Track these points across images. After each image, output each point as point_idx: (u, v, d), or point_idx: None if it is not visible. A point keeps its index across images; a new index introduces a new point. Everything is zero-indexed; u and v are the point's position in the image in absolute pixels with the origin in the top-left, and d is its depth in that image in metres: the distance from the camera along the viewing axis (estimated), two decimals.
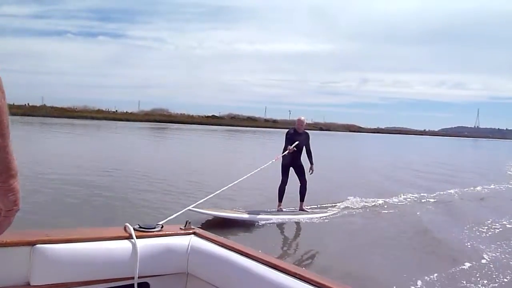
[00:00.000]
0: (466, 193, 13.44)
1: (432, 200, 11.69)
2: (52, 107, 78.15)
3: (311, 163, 8.73)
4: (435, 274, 5.56)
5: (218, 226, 7.44)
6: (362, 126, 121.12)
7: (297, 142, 8.48)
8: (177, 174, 14.03)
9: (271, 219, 8.02)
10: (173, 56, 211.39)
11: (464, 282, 5.47)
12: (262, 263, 1.82)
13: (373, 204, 10.33)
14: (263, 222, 7.86)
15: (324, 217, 8.71)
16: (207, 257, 1.99)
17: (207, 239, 2.08)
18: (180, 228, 2.16)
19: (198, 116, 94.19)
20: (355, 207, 9.86)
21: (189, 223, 2.19)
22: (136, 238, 1.93)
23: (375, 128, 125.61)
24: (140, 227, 2.04)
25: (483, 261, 6.38)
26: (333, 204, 9.78)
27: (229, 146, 32.76)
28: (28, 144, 19.45)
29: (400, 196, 11.65)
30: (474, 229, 8.40)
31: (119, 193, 9.90)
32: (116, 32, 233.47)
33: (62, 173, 12.28)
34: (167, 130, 49.82)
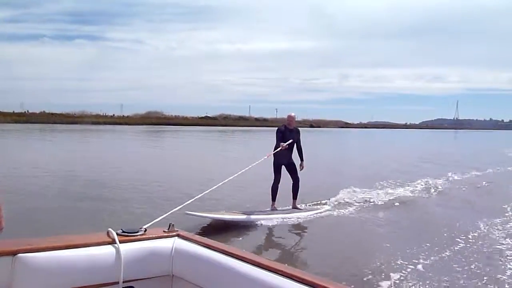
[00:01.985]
0: None
1: None
2: (51, 114, 76.77)
3: (302, 159, 8.28)
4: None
5: (211, 228, 7.08)
6: (349, 122, 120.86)
7: (291, 141, 8.01)
8: (173, 174, 13.57)
9: (265, 219, 7.55)
10: (153, 58, 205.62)
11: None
12: (247, 262, 1.76)
13: (368, 197, 9.92)
14: (258, 223, 7.41)
15: (318, 214, 8.26)
16: (191, 259, 1.93)
17: (191, 241, 2.01)
18: (164, 231, 2.08)
19: (192, 117, 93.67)
20: (348, 201, 9.43)
21: (173, 225, 2.11)
22: (120, 242, 1.87)
23: (361, 123, 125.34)
24: (123, 232, 1.97)
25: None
26: (326, 200, 9.31)
27: (224, 146, 32.27)
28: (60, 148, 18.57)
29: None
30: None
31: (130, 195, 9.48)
32: (94, 35, 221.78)
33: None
34: (166, 133, 48.85)
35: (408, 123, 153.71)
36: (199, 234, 6.80)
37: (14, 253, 1.66)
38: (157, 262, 1.96)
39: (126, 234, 1.97)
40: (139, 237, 1.98)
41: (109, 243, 1.87)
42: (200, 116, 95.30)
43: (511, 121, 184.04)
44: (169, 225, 2.11)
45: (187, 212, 6.54)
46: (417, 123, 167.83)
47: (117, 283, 1.83)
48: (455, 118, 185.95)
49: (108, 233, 1.93)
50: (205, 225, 7.19)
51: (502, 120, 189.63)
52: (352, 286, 4.44)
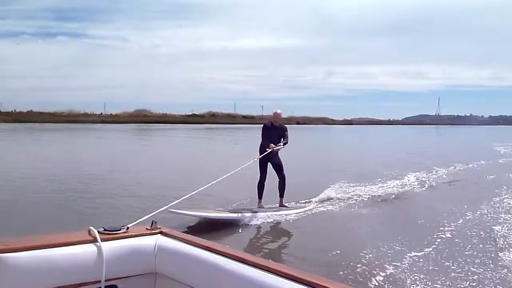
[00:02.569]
0: None
1: None
2: (40, 113, 75.23)
3: (282, 143, 7.91)
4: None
5: (198, 227, 6.92)
6: (334, 119, 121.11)
7: (281, 146, 7.87)
8: (161, 174, 13.24)
9: (251, 217, 7.34)
10: (137, 55, 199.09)
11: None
12: (230, 258, 1.74)
13: (356, 193, 9.84)
14: (244, 221, 7.20)
15: (305, 212, 8.09)
16: (174, 256, 1.90)
17: (174, 238, 1.97)
18: (146, 229, 2.03)
19: (180, 115, 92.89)
20: (336, 198, 9.30)
21: (155, 223, 2.06)
22: (101, 241, 1.82)
23: (346, 120, 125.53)
24: (105, 230, 1.91)
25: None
26: (312, 198, 9.12)
27: (213, 144, 31.95)
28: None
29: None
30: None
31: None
32: (76, 32, 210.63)
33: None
34: (155, 131, 48.17)
35: (391, 119, 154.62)
36: (186, 232, 6.65)
37: None
38: (140, 260, 1.92)
39: (108, 232, 1.91)
40: (121, 235, 1.93)
41: (90, 242, 1.81)
42: (187, 114, 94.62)
43: (491, 117, 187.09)
44: (152, 223, 2.06)
45: (171, 210, 6.33)
46: (400, 119, 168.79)
47: (99, 281, 1.78)
48: (437, 114, 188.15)
49: (89, 232, 1.86)
50: (192, 223, 7.00)
51: (482, 116, 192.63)
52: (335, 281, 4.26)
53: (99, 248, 1.80)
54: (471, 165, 16.52)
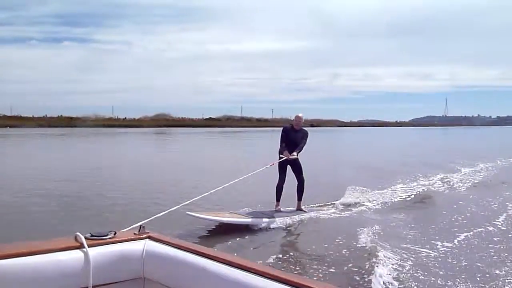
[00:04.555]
0: None
1: None
2: (69, 118, 75.94)
3: (296, 150, 7.38)
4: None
5: (213, 230, 6.53)
6: (345, 121, 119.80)
7: (295, 156, 7.36)
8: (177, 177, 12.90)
9: (269, 221, 6.86)
10: (143, 59, 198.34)
11: None
12: (218, 261, 1.67)
13: (375, 197, 9.24)
14: (261, 225, 6.74)
15: (323, 216, 7.57)
16: (162, 260, 1.81)
17: (162, 242, 1.88)
18: (134, 233, 1.94)
19: (198, 119, 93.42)
20: (355, 202, 8.69)
21: (143, 227, 1.96)
22: (88, 246, 1.73)
23: (352, 122, 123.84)
24: (92, 236, 1.82)
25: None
26: (332, 202, 8.58)
27: (231, 148, 31.69)
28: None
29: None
30: None
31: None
32: (83, 37, 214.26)
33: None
34: (179, 135, 47.93)
35: (399, 120, 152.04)
36: (204, 236, 6.30)
37: None
38: (128, 265, 1.82)
39: (95, 237, 1.81)
40: (108, 240, 1.82)
41: (77, 248, 1.71)
42: (205, 118, 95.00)
43: (499, 117, 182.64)
44: (140, 227, 1.96)
45: (189, 213, 6.09)
46: (407, 120, 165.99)
47: None
48: (444, 115, 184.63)
49: (76, 237, 1.76)
50: (208, 226, 6.61)
51: (490, 117, 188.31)
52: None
53: (86, 254, 1.70)
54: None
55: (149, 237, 1.93)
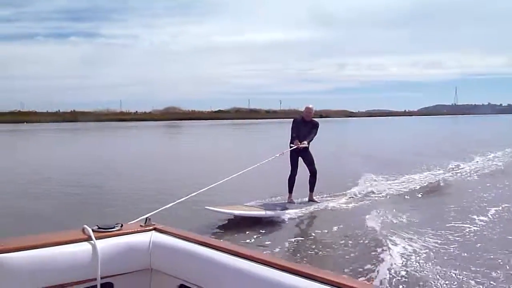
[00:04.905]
0: None
1: None
2: (81, 112, 76.39)
3: (307, 139, 7.32)
4: None
5: (227, 224, 6.49)
6: (352, 111, 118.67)
7: (306, 145, 7.27)
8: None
9: (282, 213, 6.83)
10: (149, 53, 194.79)
11: None
12: (224, 252, 1.67)
13: (388, 186, 9.12)
14: (276, 217, 6.71)
15: (335, 206, 7.51)
16: (169, 251, 1.82)
17: (168, 234, 1.89)
18: (140, 225, 1.95)
19: (207, 111, 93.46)
20: (367, 192, 8.60)
21: (149, 219, 1.97)
22: (96, 239, 1.74)
23: (360, 112, 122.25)
24: (99, 228, 1.83)
25: None
26: (344, 192, 8.51)
27: (243, 139, 31.60)
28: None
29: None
30: None
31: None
32: (88, 32, 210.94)
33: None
34: (191, 128, 47.79)
35: (407, 110, 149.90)
36: (217, 229, 6.29)
37: None
38: (135, 257, 1.84)
39: (102, 230, 1.82)
40: (115, 232, 1.84)
41: (84, 240, 1.73)
42: (214, 110, 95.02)
43: (509, 105, 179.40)
44: (146, 219, 1.97)
45: (207, 207, 6.11)
46: (416, 110, 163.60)
47: (95, 279, 1.69)
48: (454, 104, 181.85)
49: (83, 230, 1.78)
50: (221, 220, 6.58)
51: (501, 104, 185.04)
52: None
53: (93, 246, 1.72)
54: None
55: (155, 229, 1.93)
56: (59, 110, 78.52)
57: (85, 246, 1.72)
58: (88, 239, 1.74)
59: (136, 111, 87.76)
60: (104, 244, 1.76)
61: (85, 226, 1.79)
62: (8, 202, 8.24)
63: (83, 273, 1.69)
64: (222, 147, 21.74)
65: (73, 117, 70.05)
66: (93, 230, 1.78)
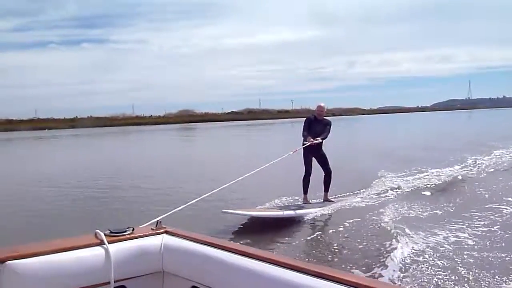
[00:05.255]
0: None
1: None
2: (90, 118, 77.45)
3: (321, 137, 7.19)
4: None
5: (243, 227, 6.40)
6: (364, 108, 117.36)
7: (319, 140, 7.14)
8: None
9: (299, 214, 6.72)
10: (159, 57, 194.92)
11: None
12: (235, 253, 1.66)
13: (406, 184, 8.93)
14: (292, 218, 6.59)
15: (351, 205, 7.35)
16: (180, 254, 1.83)
17: (179, 236, 1.90)
18: (152, 229, 1.95)
19: (221, 113, 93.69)
20: (383, 190, 8.44)
21: (160, 222, 1.97)
22: (108, 243, 1.75)
23: (372, 109, 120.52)
24: (111, 232, 1.84)
25: None
26: (360, 190, 8.37)
27: (257, 139, 31.49)
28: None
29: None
30: None
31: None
32: (100, 38, 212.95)
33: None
34: (206, 130, 48.11)
35: (420, 105, 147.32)
36: (236, 231, 6.23)
37: (2, 261, 1.54)
38: (147, 260, 1.84)
39: (114, 234, 1.83)
40: (127, 236, 1.84)
41: (97, 244, 1.75)
42: (227, 112, 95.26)
43: None
44: (157, 223, 1.97)
45: (224, 210, 6.05)
46: (429, 105, 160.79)
47: (108, 283, 1.70)
48: (468, 98, 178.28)
49: (96, 235, 1.79)
50: (238, 222, 6.51)
51: None
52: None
53: (106, 250, 1.73)
54: None
55: (166, 232, 1.94)
56: (76, 117, 79.66)
57: (98, 251, 1.73)
58: (101, 243, 1.75)
59: (151, 115, 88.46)
60: (116, 248, 1.77)
61: (97, 230, 1.79)
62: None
63: (96, 277, 1.70)
64: (237, 148, 21.72)
65: (90, 122, 71.02)
66: (105, 235, 1.79)
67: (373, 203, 7.48)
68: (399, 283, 4.07)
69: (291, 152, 7.05)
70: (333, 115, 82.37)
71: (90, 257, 1.70)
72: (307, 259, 4.84)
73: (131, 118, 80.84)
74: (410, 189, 8.61)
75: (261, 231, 6.08)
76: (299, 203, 7.30)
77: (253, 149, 20.38)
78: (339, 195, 7.98)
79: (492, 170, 10.82)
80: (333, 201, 7.46)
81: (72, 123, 69.00)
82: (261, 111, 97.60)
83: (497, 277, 4.09)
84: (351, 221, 6.50)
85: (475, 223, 5.98)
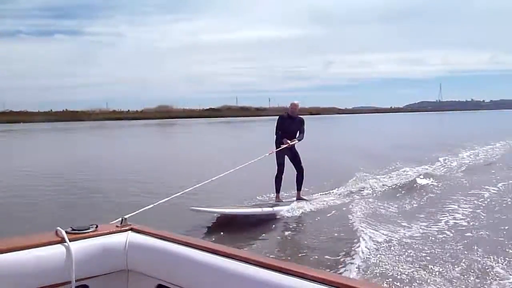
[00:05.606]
0: None
1: None
2: (66, 111, 75.35)
3: (298, 138, 7.15)
4: None
5: (216, 224, 6.22)
6: (342, 108, 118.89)
7: (296, 141, 7.11)
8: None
9: (270, 211, 6.61)
10: (135, 51, 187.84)
11: None
12: (202, 250, 1.62)
13: (378, 182, 8.99)
14: (263, 216, 6.47)
15: (323, 204, 7.27)
16: (146, 251, 1.74)
17: (145, 234, 1.81)
18: (116, 226, 1.87)
19: (199, 109, 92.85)
20: (357, 188, 8.44)
21: (126, 219, 1.90)
22: (70, 241, 1.65)
23: (347, 109, 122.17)
24: (73, 230, 1.73)
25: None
26: (333, 189, 8.34)
27: (234, 137, 31.31)
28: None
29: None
30: None
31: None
32: (74, 29, 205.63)
33: None
34: (184, 127, 46.84)
35: (393, 106, 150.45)
36: (207, 228, 6.08)
37: None
38: (111, 258, 1.76)
39: (76, 231, 1.74)
40: (90, 233, 1.76)
41: (58, 242, 1.65)
42: (205, 109, 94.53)
43: (492, 101, 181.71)
44: (122, 220, 1.90)
45: (192, 208, 5.84)
46: (401, 106, 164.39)
47: (70, 282, 1.63)
48: (438, 100, 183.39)
49: (56, 232, 1.70)
50: (208, 221, 6.34)
51: (483, 101, 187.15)
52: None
53: (67, 248, 1.65)
54: None
55: (132, 229, 1.87)
56: (51, 110, 77.32)
57: (58, 249, 1.64)
58: (62, 241, 1.66)
59: (129, 110, 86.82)
60: (78, 246, 1.69)
61: (58, 228, 1.71)
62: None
63: (57, 276, 1.62)
64: (214, 147, 21.34)
65: (67, 116, 69.01)
66: (66, 232, 1.70)
67: (345, 201, 7.46)
68: (369, 277, 4.07)
69: (267, 154, 6.96)
70: (311, 114, 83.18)
71: (50, 255, 1.62)
72: (276, 257, 4.75)
73: (108, 112, 79.04)
74: (383, 187, 8.66)
75: (231, 229, 5.95)
76: (271, 202, 7.19)
77: (232, 148, 20.15)
78: (314, 194, 7.91)
79: (460, 169, 11.05)
80: (305, 199, 7.40)
81: (47, 116, 66.93)
82: (239, 108, 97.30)
83: (457, 266, 4.27)
84: (321, 218, 6.50)
85: (438, 217, 6.21)
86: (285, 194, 7.58)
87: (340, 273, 4.13)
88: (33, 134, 35.26)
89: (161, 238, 1.76)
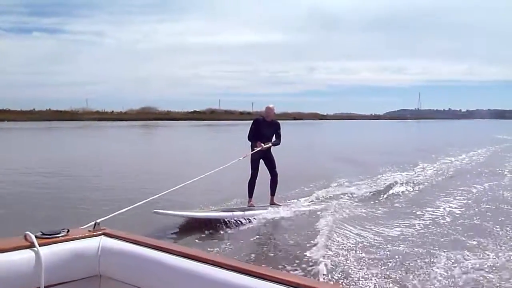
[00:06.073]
0: None
1: None
2: (49, 111, 73.56)
3: (274, 143, 6.97)
4: None
5: (184, 228, 6.03)
6: (324, 114, 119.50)
7: (269, 145, 6.92)
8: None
9: (241, 216, 6.39)
10: (116, 51, 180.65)
11: None
12: (176, 255, 1.60)
13: (352, 190, 8.80)
14: (233, 221, 6.24)
15: (296, 209, 7.08)
16: (119, 256, 1.70)
17: (118, 238, 1.77)
18: (89, 231, 1.81)
19: (183, 112, 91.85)
20: (331, 195, 8.25)
21: (98, 224, 1.83)
22: (39, 245, 1.59)
23: (328, 115, 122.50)
24: (43, 234, 1.67)
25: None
26: (307, 195, 8.16)
27: (212, 142, 30.86)
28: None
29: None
30: None
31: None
32: (53, 27, 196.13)
33: None
34: (167, 129, 46.67)
35: (374, 113, 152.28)
36: (174, 233, 5.84)
37: None
38: (82, 263, 1.71)
39: (46, 236, 1.67)
40: (61, 238, 1.70)
41: (27, 247, 1.59)
42: (189, 111, 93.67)
43: (468, 111, 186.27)
44: (94, 224, 1.85)
45: (155, 210, 5.52)
46: (382, 114, 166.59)
47: None
48: (417, 109, 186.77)
49: (25, 237, 1.64)
50: (177, 224, 6.11)
51: (460, 110, 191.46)
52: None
53: (36, 253, 1.58)
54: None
55: (105, 234, 1.81)
56: (34, 109, 75.43)
57: (27, 254, 1.57)
58: (31, 246, 1.59)
59: (113, 111, 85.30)
60: (48, 251, 1.62)
61: (28, 232, 1.63)
62: None
63: (26, 283, 1.55)
64: (196, 149, 21.00)
65: (51, 116, 67.38)
66: (36, 237, 1.63)
67: (319, 207, 7.26)
68: (336, 280, 4.05)
69: (241, 158, 6.73)
70: (294, 119, 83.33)
71: (19, 261, 1.55)
72: (246, 261, 4.58)
73: (91, 113, 77.52)
74: (358, 192, 8.56)
75: (198, 233, 5.74)
76: (244, 206, 6.95)
77: (210, 150, 19.85)
78: (287, 199, 7.71)
79: (435, 176, 11.06)
80: (278, 205, 7.18)
81: (30, 115, 65.18)
82: (223, 112, 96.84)
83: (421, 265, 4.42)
84: (292, 224, 6.35)
85: (406, 222, 6.30)
86: (258, 200, 7.34)
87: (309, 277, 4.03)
88: (18, 132, 34.29)
89: (134, 243, 1.72)
